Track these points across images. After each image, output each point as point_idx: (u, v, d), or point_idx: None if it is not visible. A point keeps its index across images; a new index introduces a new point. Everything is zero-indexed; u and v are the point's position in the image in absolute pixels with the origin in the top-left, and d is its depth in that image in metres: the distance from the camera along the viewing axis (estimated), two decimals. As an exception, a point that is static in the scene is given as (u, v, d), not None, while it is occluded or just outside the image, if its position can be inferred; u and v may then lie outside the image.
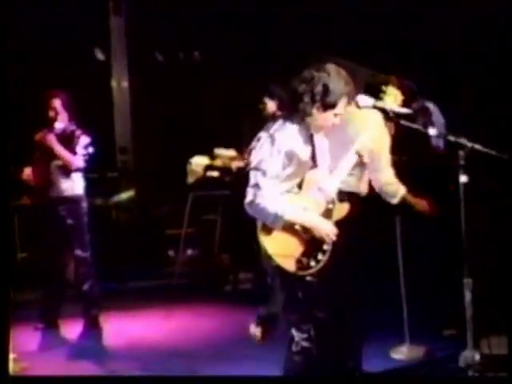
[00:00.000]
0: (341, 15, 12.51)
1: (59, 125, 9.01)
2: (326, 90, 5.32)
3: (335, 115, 5.40)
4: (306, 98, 5.33)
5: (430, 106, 9.86)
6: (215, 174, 10.39)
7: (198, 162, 10.48)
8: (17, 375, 4.86)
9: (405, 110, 6.62)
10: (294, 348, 5.46)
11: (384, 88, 6.93)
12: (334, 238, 5.36)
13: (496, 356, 4.61)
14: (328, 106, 5.34)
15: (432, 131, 6.25)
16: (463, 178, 4.84)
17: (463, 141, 5.46)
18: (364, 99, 6.48)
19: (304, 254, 5.35)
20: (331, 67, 5.39)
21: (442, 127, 9.68)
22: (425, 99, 9.78)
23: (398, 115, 6.45)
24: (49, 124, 9.02)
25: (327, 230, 5.37)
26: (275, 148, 5.29)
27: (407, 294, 7.63)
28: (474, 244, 5.61)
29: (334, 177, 5.62)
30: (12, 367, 5.82)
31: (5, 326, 4.34)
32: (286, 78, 5.67)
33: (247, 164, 5.58)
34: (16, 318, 6.87)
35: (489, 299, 5.71)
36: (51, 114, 8.97)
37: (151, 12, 13.45)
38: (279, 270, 5.37)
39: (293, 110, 5.43)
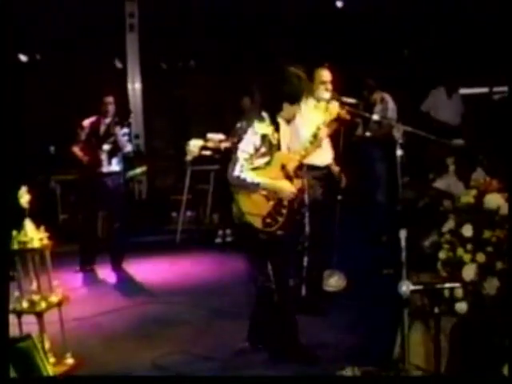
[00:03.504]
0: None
1: (109, 118, 9.04)
2: (293, 89, 5.40)
3: (297, 108, 5.56)
4: (279, 96, 5.44)
5: (386, 96, 9.97)
6: (208, 152, 10.42)
7: (195, 143, 10.48)
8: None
9: (353, 100, 6.66)
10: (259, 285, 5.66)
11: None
12: (293, 196, 5.62)
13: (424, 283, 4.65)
14: (294, 101, 5.41)
15: (375, 116, 6.31)
16: (399, 152, 4.86)
17: (398, 124, 5.51)
18: (324, 94, 6.61)
19: (268, 215, 5.52)
20: (295, 71, 5.46)
21: (394, 112, 9.80)
22: (382, 91, 9.93)
23: (349, 104, 6.54)
24: (101, 115, 9.03)
25: (290, 191, 5.58)
26: (254, 133, 5.38)
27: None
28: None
29: (293, 154, 5.73)
30: (56, 297, 5.82)
31: (4, 327, 4.22)
32: (261, 79, 5.73)
33: (232, 143, 5.66)
34: (60, 264, 6.89)
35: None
36: (104, 108, 8.98)
37: (159, 29, 13.39)
38: (248, 227, 5.51)
39: (267, 106, 5.50)
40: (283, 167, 5.62)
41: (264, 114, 5.52)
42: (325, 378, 5.23)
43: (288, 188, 5.60)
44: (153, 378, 5.40)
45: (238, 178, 5.37)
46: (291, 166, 5.69)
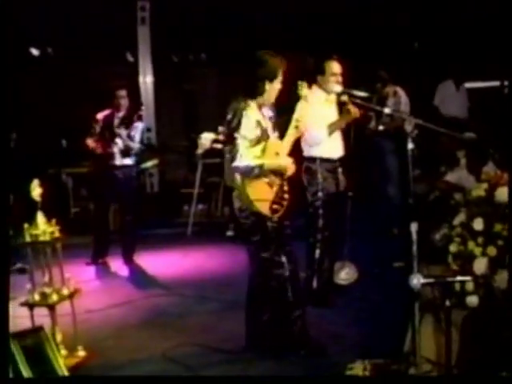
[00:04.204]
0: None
1: (122, 111, 9.05)
2: (268, 66, 5.56)
3: (278, 85, 5.64)
4: (258, 77, 5.56)
5: (398, 89, 9.97)
6: (219, 146, 10.41)
7: (206, 136, 10.49)
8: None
9: (363, 94, 6.67)
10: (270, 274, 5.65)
11: None
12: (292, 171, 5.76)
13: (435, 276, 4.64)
14: (273, 78, 5.56)
15: (386, 110, 6.28)
16: (410, 145, 4.84)
17: (410, 117, 5.50)
18: (336, 87, 6.63)
19: (274, 201, 5.57)
20: (270, 53, 5.61)
21: (406, 106, 9.79)
22: (395, 85, 9.93)
23: (360, 97, 6.55)
24: (114, 108, 9.05)
25: (289, 166, 5.71)
26: (248, 119, 5.47)
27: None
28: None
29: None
30: (68, 290, 5.84)
31: (4, 326, 4.22)
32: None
33: (226, 135, 5.75)
34: (72, 257, 6.91)
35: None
36: (117, 101, 8.99)
37: (170, 23, 13.38)
38: (258, 215, 5.55)
39: (250, 91, 5.60)
40: (277, 154, 5.64)
41: (249, 101, 5.58)
42: (328, 378, 5.20)
43: (290, 165, 5.73)
44: (153, 377, 5.39)
45: (245, 165, 5.42)
46: (284, 153, 5.72)
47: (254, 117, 5.52)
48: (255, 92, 5.60)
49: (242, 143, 5.43)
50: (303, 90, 5.79)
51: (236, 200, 5.65)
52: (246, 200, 5.52)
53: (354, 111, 6.74)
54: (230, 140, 5.59)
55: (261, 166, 5.45)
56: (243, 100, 5.54)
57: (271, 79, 5.57)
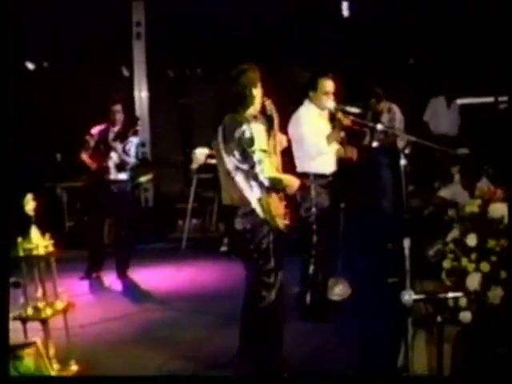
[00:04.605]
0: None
1: (117, 126, 9.07)
2: (250, 74, 5.51)
3: (260, 92, 5.59)
4: (244, 86, 5.48)
5: (393, 106, 10.01)
6: (214, 161, 10.38)
7: (201, 151, 10.48)
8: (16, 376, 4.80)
9: (357, 110, 6.68)
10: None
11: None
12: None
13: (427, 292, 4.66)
14: (256, 84, 5.52)
15: (379, 126, 6.30)
16: (403, 161, 4.84)
17: (402, 134, 5.52)
18: (329, 103, 6.64)
19: (285, 216, 5.52)
20: (246, 63, 5.59)
21: (401, 123, 9.83)
22: (389, 101, 9.97)
23: (353, 114, 6.57)
24: (110, 123, 9.07)
25: (297, 181, 5.66)
26: (255, 129, 5.34)
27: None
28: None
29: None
30: (61, 304, 5.82)
31: (4, 326, 4.21)
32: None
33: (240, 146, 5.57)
34: (66, 271, 6.90)
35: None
36: (112, 116, 9.01)
37: (165, 38, 13.43)
38: (278, 231, 5.48)
39: (243, 100, 5.50)
40: (277, 169, 5.62)
41: (245, 114, 5.47)
42: (327, 378, 5.22)
43: (297, 180, 5.68)
44: (153, 378, 5.40)
45: (272, 177, 5.36)
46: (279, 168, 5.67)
47: (262, 128, 5.43)
48: (246, 101, 5.48)
49: (262, 157, 5.28)
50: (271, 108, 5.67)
51: (243, 220, 5.44)
52: (268, 215, 5.40)
53: (344, 119, 6.75)
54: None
55: (281, 181, 5.44)
56: (237, 114, 5.44)
57: (255, 85, 5.49)
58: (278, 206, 5.47)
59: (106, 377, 5.40)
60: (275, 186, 5.41)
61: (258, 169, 5.31)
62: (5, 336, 4.25)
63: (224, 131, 5.46)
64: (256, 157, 5.29)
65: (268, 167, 5.32)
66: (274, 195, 5.43)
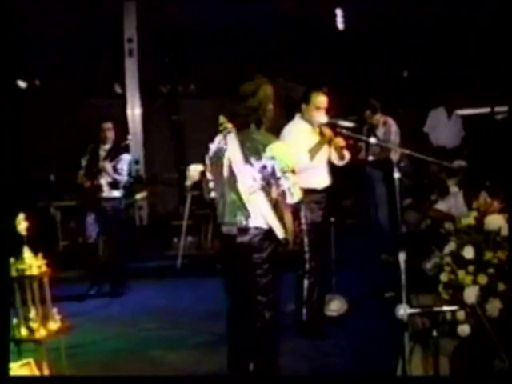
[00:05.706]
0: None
1: (108, 144, 9.09)
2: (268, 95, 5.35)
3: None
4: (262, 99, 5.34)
5: (389, 119, 10.03)
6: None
7: (195, 168, 10.44)
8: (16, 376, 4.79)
9: (350, 124, 6.67)
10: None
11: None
12: None
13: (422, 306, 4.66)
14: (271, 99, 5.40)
15: (372, 140, 6.31)
16: (396, 175, 4.83)
17: (396, 147, 5.54)
18: (321, 117, 6.64)
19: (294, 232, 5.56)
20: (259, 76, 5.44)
21: (397, 136, 9.84)
22: (385, 114, 9.99)
23: (347, 128, 6.56)
24: (100, 141, 9.12)
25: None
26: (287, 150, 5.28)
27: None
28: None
29: None
30: (55, 324, 5.81)
31: (4, 326, 4.21)
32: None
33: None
34: (60, 291, 6.87)
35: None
36: (103, 134, 9.04)
37: (158, 54, 13.47)
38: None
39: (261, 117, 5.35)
40: None
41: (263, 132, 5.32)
42: (327, 378, 5.22)
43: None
44: (153, 377, 5.38)
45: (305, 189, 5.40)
46: None
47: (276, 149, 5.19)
48: (264, 116, 5.30)
49: (292, 177, 5.16)
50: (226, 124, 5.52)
51: (255, 238, 5.24)
52: (289, 232, 5.31)
53: (328, 132, 6.75)
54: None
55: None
56: (258, 132, 5.27)
57: (271, 100, 5.33)
58: (292, 223, 5.45)
59: (105, 377, 5.38)
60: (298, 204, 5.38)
61: (288, 189, 5.15)
62: (5, 336, 4.24)
63: (245, 148, 5.21)
64: (287, 177, 5.14)
65: (298, 189, 5.21)
66: (288, 213, 5.35)
